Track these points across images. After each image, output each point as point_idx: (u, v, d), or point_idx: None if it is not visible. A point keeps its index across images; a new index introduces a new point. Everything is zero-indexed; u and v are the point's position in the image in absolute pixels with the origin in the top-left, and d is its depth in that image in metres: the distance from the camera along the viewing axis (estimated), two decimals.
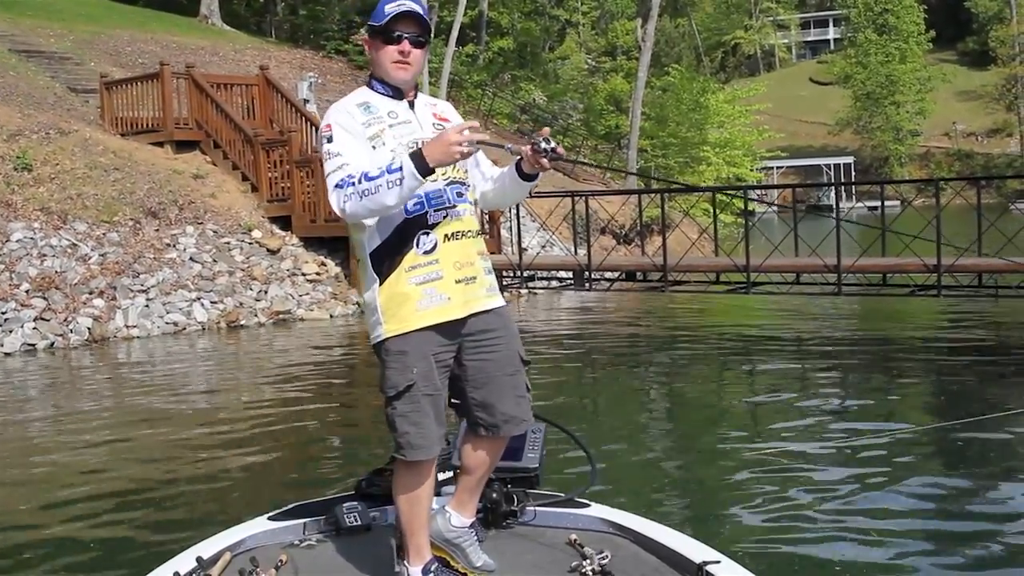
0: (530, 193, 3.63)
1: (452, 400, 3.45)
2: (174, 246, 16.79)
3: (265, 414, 9.88)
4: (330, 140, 3.27)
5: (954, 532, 5.87)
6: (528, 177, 3.42)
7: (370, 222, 3.28)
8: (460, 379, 3.41)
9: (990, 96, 70.56)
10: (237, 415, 9.99)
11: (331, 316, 16.65)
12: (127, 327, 14.83)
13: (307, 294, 17.06)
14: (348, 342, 15.05)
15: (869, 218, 11.56)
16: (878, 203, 15.04)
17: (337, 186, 3.19)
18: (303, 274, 17.49)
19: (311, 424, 9.49)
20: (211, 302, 15.94)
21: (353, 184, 3.15)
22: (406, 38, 3.32)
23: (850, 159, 66.01)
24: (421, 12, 3.33)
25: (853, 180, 58.65)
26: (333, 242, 17.98)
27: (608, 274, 14.81)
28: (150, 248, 16.47)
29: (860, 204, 21.95)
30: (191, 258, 16.68)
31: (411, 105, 3.41)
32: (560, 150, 3.29)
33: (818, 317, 15.40)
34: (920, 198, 26.66)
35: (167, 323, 15.26)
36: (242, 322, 15.83)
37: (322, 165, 3.36)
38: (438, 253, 3.28)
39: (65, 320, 14.41)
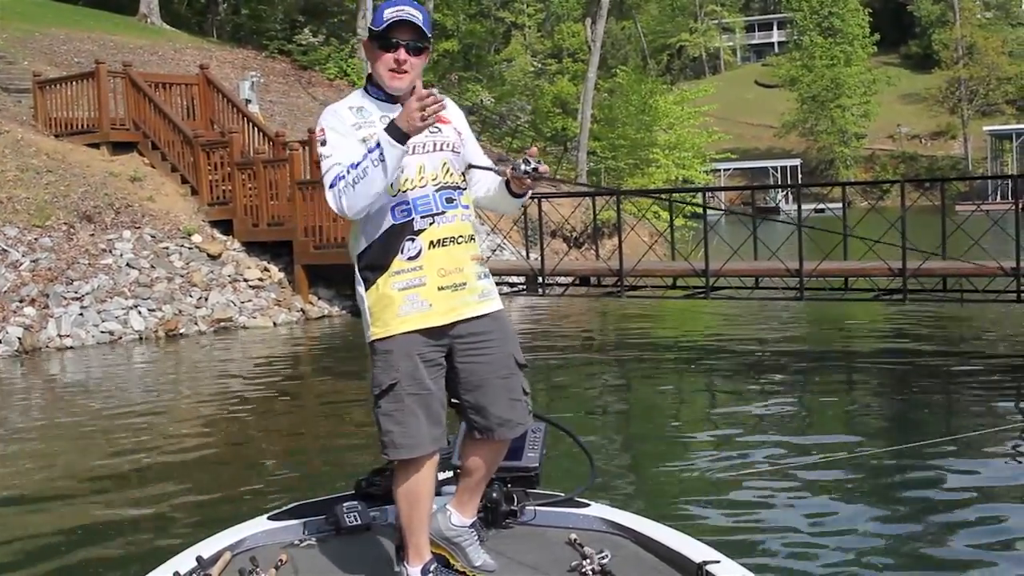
0: (522, 206, 3.71)
1: (452, 401, 3.47)
2: (110, 251, 16.12)
3: (213, 425, 9.56)
4: (323, 144, 3.31)
5: (948, 535, 5.89)
6: (516, 194, 3.51)
7: (358, 227, 3.34)
8: (454, 382, 3.42)
9: (933, 99, 71.67)
10: (186, 424, 9.65)
11: (274, 324, 16.08)
12: (60, 336, 14.16)
13: (249, 301, 16.48)
14: (293, 350, 14.55)
15: (827, 220, 11.25)
16: (823, 206, 14.89)
17: (331, 185, 3.22)
18: (245, 280, 16.91)
19: (261, 438, 9.18)
20: (149, 310, 15.29)
21: (343, 177, 3.19)
22: (402, 46, 3.30)
23: (797, 162, 66.59)
24: (419, 20, 3.30)
25: (800, 182, 58.96)
26: (276, 247, 17.47)
27: (561, 279, 14.41)
28: (85, 254, 15.80)
29: (814, 206, 21.71)
30: (128, 264, 16.00)
31: None
32: (542, 168, 3.37)
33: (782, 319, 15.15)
34: (864, 200, 26.56)
35: (102, 332, 14.59)
36: (181, 330, 15.21)
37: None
38: (422, 260, 3.28)
39: None
